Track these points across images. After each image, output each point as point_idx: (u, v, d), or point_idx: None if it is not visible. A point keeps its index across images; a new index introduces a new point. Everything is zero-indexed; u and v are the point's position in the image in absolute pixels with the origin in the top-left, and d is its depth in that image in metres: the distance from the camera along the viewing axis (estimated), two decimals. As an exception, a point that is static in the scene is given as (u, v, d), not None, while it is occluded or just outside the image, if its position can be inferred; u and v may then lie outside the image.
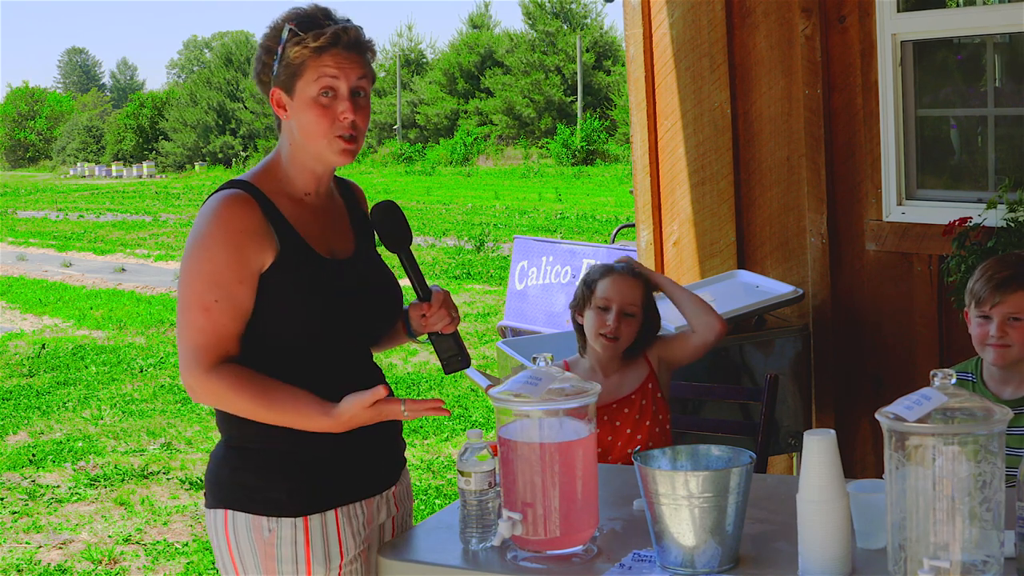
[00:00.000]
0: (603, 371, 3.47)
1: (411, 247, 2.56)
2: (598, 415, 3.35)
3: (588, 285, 3.51)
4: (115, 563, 5.34)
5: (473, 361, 2.62)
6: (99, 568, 5.30)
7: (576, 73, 43.80)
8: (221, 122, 55.21)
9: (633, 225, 5.97)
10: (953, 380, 2.09)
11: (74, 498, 6.34)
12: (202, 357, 2.36)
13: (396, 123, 48.78)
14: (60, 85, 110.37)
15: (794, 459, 4.56)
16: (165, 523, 5.86)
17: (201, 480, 6.09)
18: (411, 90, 50.68)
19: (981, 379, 3.19)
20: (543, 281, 7.69)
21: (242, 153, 51.97)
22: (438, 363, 2.58)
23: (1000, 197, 3.87)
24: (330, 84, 2.40)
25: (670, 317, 3.82)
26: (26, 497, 6.38)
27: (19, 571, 5.32)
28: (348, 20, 2.45)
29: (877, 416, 2.10)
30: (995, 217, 3.82)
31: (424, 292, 2.54)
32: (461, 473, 2.44)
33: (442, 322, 2.53)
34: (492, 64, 48.03)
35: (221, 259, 2.36)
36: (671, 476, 2.25)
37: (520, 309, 7.77)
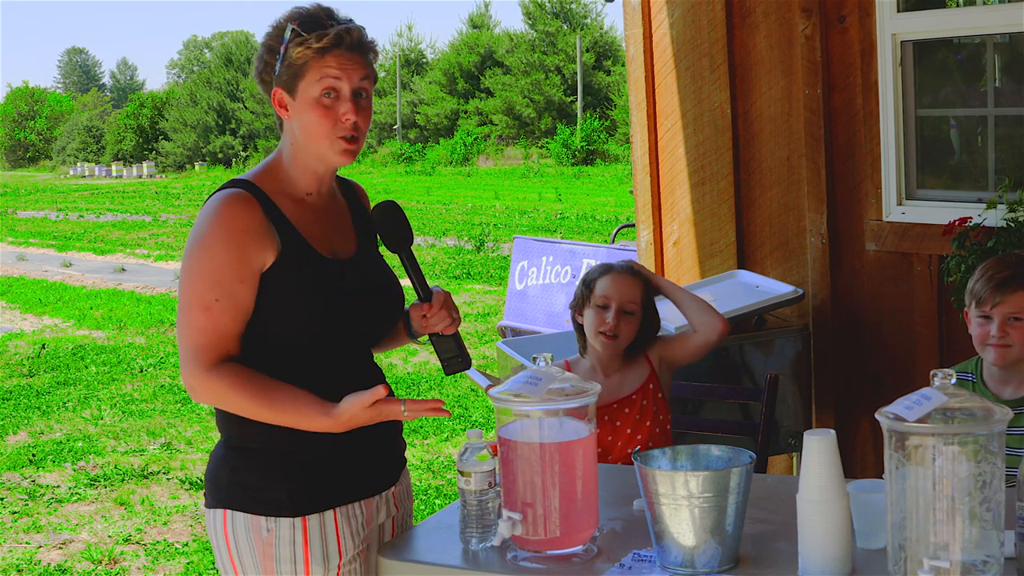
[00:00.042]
0: (604, 371, 3.47)
1: (411, 247, 2.56)
2: (598, 415, 3.35)
3: (587, 284, 3.51)
4: (115, 563, 5.34)
5: (473, 361, 2.62)
6: (99, 568, 5.30)
7: (576, 73, 43.81)
8: (221, 122, 55.22)
9: (633, 225, 5.97)
10: (953, 380, 2.09)
11: (74, 498, 6.34)
12: (202, 356, 2.36)
13: (396, 123, 48.78)
14: (60, 85, 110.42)
15: (794, 459, 4.56)
16: (165, 523, 5.86)
17: (201, 480, 6.09)
18: (411, 90, 50.69)
19: (981, 379, 3.19)
20: (543, 281, 7.69)
21: (242, 153, 51.97)
22: (438, 363, 2.57)
23: (1000, 197, 3.87)
24: (332, 85, 2.40)
25: (670, 317, 3.82)
26: (26, 497, 6.38)
27: (19, 571, 5.32)
28: (350, 20, 2.45)
29: (877, 416, 2.10)
30: (995, 217, 3.82)
31: (425, 293, 2.54)
32: (461, 473, 2.44)
33: (443, 323, 2.53)
34: (492, 64, 48.03)
35: (222, 258, 2.36)
36: (671, 476, 2.25)
37: (520, 309, 7.77)
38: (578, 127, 40.63)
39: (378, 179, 35.90)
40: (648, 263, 5.01)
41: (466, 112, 47.38)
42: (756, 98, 4.68)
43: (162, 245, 19.96)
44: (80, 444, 7.41)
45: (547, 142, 41.34)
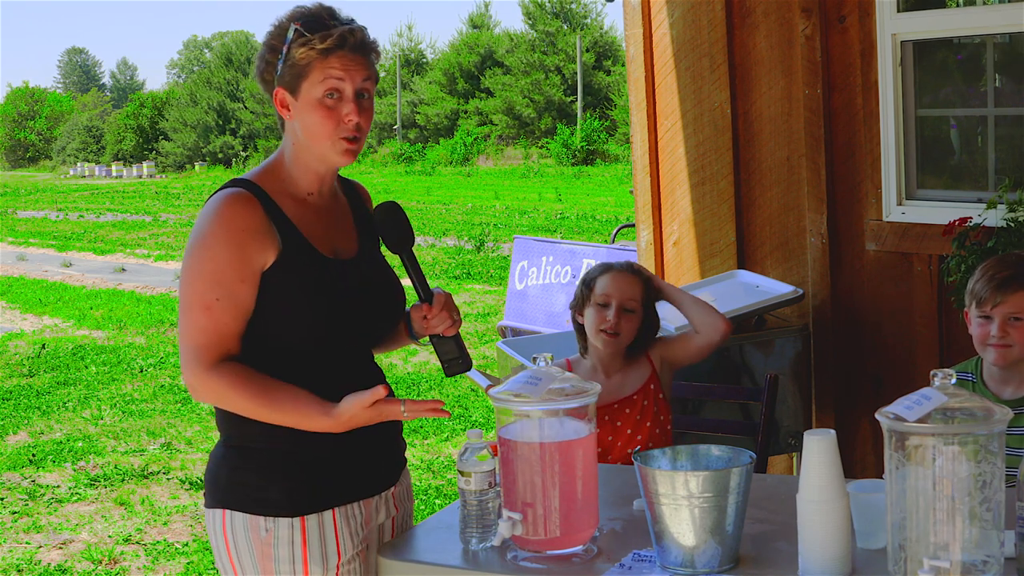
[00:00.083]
0: (605, 371, 3.47)
1: (412, 248, 2.56)
2: (599, 415, 3.35)
3: (587, 284, 3.51)
4: (115, 563, 5.34)
5: (473, 362, 2.62)
6: (99, 568, 5.30)
7: (576, 73, 43.80)
8: (221, 122, 55.21)
9: (633, 225, 5.97)
10: (953, 380, 2.09)
11: (74, 498, 6.34)
12: (203, 356, 2.36)
13: (396, 123, 48.78)
14: (60, 85, 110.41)
15: (794, 459, 4.56)
16: (165, 523, 5.86)
17: (201, 480, 6.09)
18: (411, 90, 50.69)
19: (981, 379, 3.19)
20: (543, 281, 7.69)
21: (242, 153, 51.96)
22: (439, 364, 2.57)
23: (1000, 197, 3.87)
24: (336, 86, 2.40)
25: (670, 317, 3.82)
26: (26, 497, 6.38)
27: (19, 571, 5.32)
28: (352, 20, 2.45)
29: (877, 416, 2.10)
30: (995, 217, 3.82)
31: (426, 293, 2.54)
32: (461, 473, 2.44)
33: (443, 324, 2.53)
34: (492, 64, 48.03)
35: (223, 258, 2.36)
36: (671, 476, 2.25)
37: (520, 309, 7.77)
38: (578, 127, 40.63)
39: (378, 179, 35.90)
40: (648, 263, 5.01)
41: (466, 112, 47.38)
42: (756, 98, 4.68)
43: (162, 245, 19.96)
44: (80, 444, 7.41)
45: (547, 142, 41.34)
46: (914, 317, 4.32)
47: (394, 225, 2.55)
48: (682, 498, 2.22)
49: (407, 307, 2.61)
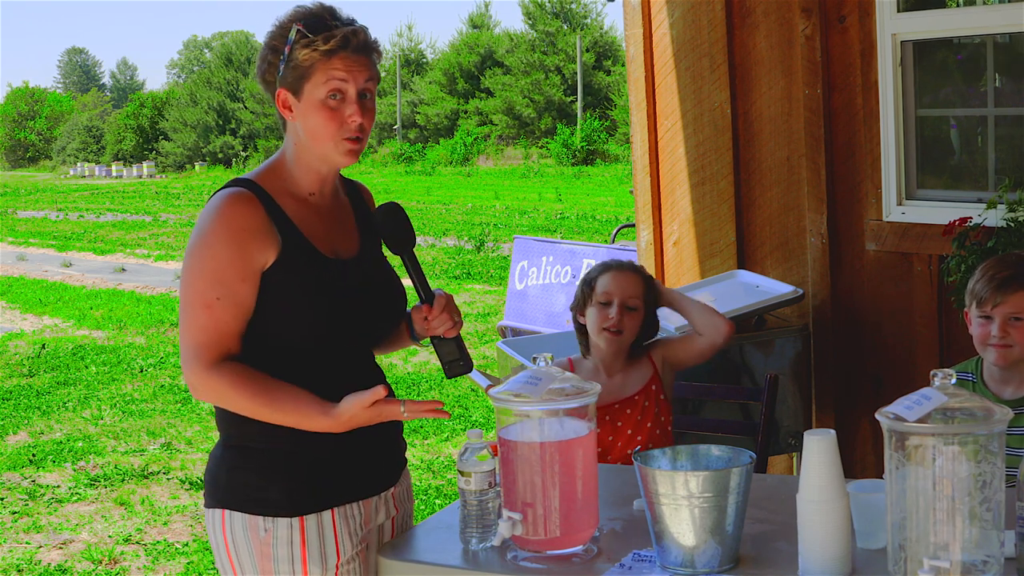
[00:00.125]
0: (607, 371, 3.47)
1: (414, 249, 2.56)
2: (600, 415, 3.36)
3: (588, 283, 3.51)
4: (115, 563, 5.34)
5: (474, 363, 2.62)
6: (99, 568, 5.30)
7: (576, 73, 43.80)
8: (221, 122, 55.21)
9: (633, 225, 5.97)
10: (953, 380, 2.09)
11: (74, 498, 6.34)
12: (203, 354, 2.36)
13: (396, 123, 48.78)
14: (60, 85, 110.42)
15: (794, 459, 4.56)
16: (165, 523, 5.86)
17: (201, 480, 6.10)
18: (411, 90, 50.69)
19: (981, 379, 3.19)
20: (543, 281, 7.69)
21: (242, 153, 51.96)
22: (439, 364, 2.57)
23: (1000, 197, 3.87)
24: (339, 87, 2.40)
25: (670, 317, 3.82)
26: (26, 497, 6.38)
27: (19, 571, 5.32)
28: (353, 20, 2.45)
29: (877, 416, 2.10)
30: (995, 217, 3.82)
31: (426, 294, 2.53)
32: (461, 473, 2.44)
33: (444, 326, 2.52)
34: (492, 64, 48.03)
35: (224, 257, 2.36)
36: (671, 476, 2.25)
37: (520, 309, 7.77)
38: (578, 127, 40.63)
39: (378, 179, 35.90)
40: (648, 263, 5.01)
41: (466, 112, 47.38)
42: (756, 98, 4.68)
43: (162, 245, 19.96)
44: (80, 444, 7.41)
45: (547, 142, 41.34)
46: (914, 317, 4.32)
47: (395, 226, 2.55)
48: (682, 498, 2.22)
49: (408, 308, 2.61)
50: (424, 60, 54.88)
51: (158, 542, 5.58)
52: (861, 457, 4.46)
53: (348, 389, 2.39)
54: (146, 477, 6.66)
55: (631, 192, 5.71)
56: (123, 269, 16.90)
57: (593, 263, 4.69)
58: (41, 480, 6.69)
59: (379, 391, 2.36)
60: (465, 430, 6.52)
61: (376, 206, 2.63)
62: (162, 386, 9.09)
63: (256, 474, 2.42)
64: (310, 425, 2.38)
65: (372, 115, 2.46)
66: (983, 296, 3.11)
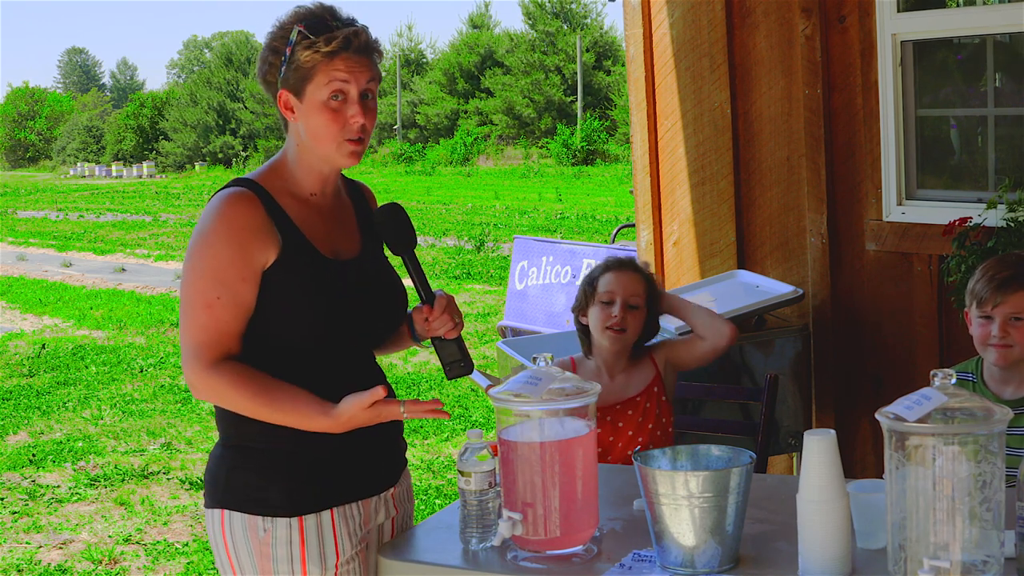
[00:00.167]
0: (609, 372, 3.47)
1: (414, 250, 2.56)
2: (601, 416, 3.36)
3: (590, 283, 3.52)
4: (115, 563, 5.34)
5: (474, 363, 2.61)
6: (99, 568, 5.30)
7: (576, 73, 43.80)
8: (221, 122, 55.20)
9: (633, 225, 5.97)
10: (953, 380, 2.09)
11: (74, 498, 6.34)
12: (203, 354, 2.36)
13: (396, 123, 48.78)
14: (60, 85, 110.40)
15: (794, 459, 4.56)
16: (165, 523, 5.86)
17: (201, 480, 6.10)
18: (411, 90, 50.68)
19: (981, 379, 3.19)
20: (543, 281, 7.69)
21: (242, 153, 51.96)
22: (439, 364, 2.57)
23: (1000, 197, 3.87)
24: (341, 88, 2.40)
25: (669, 318, 3.82)
26: (26, 497, 6.38)
27: (19, 571, 5.32)
28: (353, 20, 2.44)
29: (877, 416, 2.10)
30: (995, 217, 3.82)
31: (427, 295, 2.53)
32: (461, 473, 2.44)
33: (444, 327, 2.52)
34: (492, 64, 48.02)
35: (224, 256, 2.36)
36: (671, 476, 2.25)
37: (520, 309, 7.77)
38: (578, 127, 40.62)
39: (378, 179, 35.90)
40: (648, 263, 5.01)
41: (466, 112, 47.37)
42: (756, 98, 4.68)
43: (162, 245, 19.96)
44: (80, 444, 7.41)
45: (547, 142, 41.33)
46: (914, 317, 4.32)
47: (396, 227, 2.55)
48: (682, 498, 2.22)
49: (409, 309, 2.61)
50: (424, 60, 54.87)
51: (158, 542, 5.58)
52: (861, 457, 4.46)
53: (348, 389, 2.39)
54: (146, 477, 6.66)
55: (631, 192, 5.72)
56: (123, 269, 16.90)
57: (593, 263, 4.69)
58: (41, 480, 6.69)
59: (378, 392, 2.36)
60: (465, 430, 6.52)
61: (377, 206, 2.63)
62: (162, 386, 9.09)
63: (256, 474, 2.42)
64: (309, 425, 2.38)
65: (374, 115, 2.46)
66: (983, 296, 3.11)
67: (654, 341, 3.59)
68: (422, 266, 2.55)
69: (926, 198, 4.33)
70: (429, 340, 2.57)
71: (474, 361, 2.59)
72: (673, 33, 4.86)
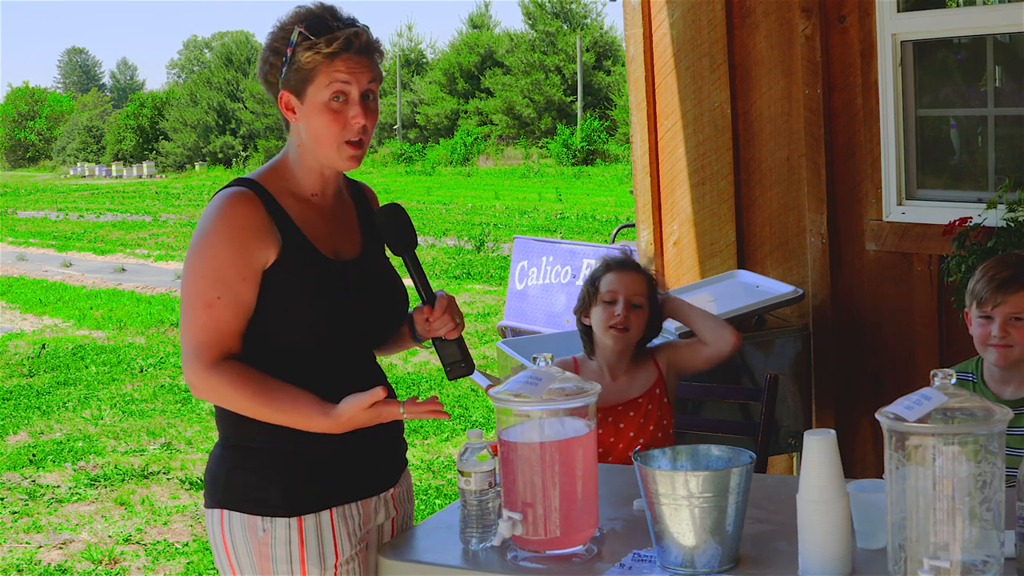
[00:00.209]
0: (611, 373, 3.47)
1: (415, 250, 2.56)
2: (603, 416, 3.36)
3: (592, 283, 3.51)
4: (115, 563, 5.34)
5: (475, 364, 2.61)
6: (99, 568, 5.30)
7: (576, 73, 43.79)
8: (221, 122, 55.20)
9: (633, 225, 5.97)
10: (953, 380, 2.09)
11: (74, 498, 6.34)
12: (204, 353, 2.36)
13: (396, 123, 48.78)
14: (60, 85, 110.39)
15: (794, 459, 4.56)
16: (165, 523, 5.86)
17: (201, 480, 6.10)
18: (411, 90, 50.68)
19: (981, 379, 3.19)
20: (543, 281, 7.69)
21: (242, 153, 51.95)
22: (440, 364, 2.57)
23: (1000, 197, 3.87)
24: (342, 89, 2.40)
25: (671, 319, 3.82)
26: (26, 497, 6.38)
27: (19, 571, 5.32)
28: (354, 20, 2.44)
29: (877, 416, 2.10)
30: (995, 217, 3.82)
31: (428, 296, 2.53)
32: (461, 473, 2.44)
33: (445, 327, 2.52)
34: (492, 64, 48.02)
35: (225, 256, 2.36)
36: (671, 476, 2.25)
37: (520, 309, 7.77)
38: (578, 127, 40.62)
39: (378, 179, 35.90)
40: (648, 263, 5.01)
41: (466, 112, 47.37)
42: (756, 98, 4.68)
43: (162, 245, 19.96)
44: (80, 444, 7.41)
45: (547, 142, 41.33)
46: (914, 317, 4.32)
47: (396, 227, 2.55)
48: (682, 498, 2.22)
49: (410, 309, 2.61)
50: (424, 60, 54.87)
51: (158, 542, 5.58)
52: (861, 457, 4.46)
53: (348, 389, 2.39)
54: (146, 477, 6.66)
55: (631, 192, 5.72)
56: (123, 269, 16.90)
57: (593, 263, 4.69)
58: (41, 480, 6.69)
59: (378, 392, 2.36)
60: (465, 430, 6.52)
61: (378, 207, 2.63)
62: (162, 386, 9.09)
63: (256, 474, 2.42)
64: (309, 425, 2.38)
65: (375, 116, 2.46)
66: (983, 296, 3.11)
67: (656, 342, 3.59)
68: (423, 266, 2.55)
69: (926, 198, 4.33)
70: (430, 340, 2.57)
71: (475, 361, 2.59)
72: (673, 33, 4.86)
